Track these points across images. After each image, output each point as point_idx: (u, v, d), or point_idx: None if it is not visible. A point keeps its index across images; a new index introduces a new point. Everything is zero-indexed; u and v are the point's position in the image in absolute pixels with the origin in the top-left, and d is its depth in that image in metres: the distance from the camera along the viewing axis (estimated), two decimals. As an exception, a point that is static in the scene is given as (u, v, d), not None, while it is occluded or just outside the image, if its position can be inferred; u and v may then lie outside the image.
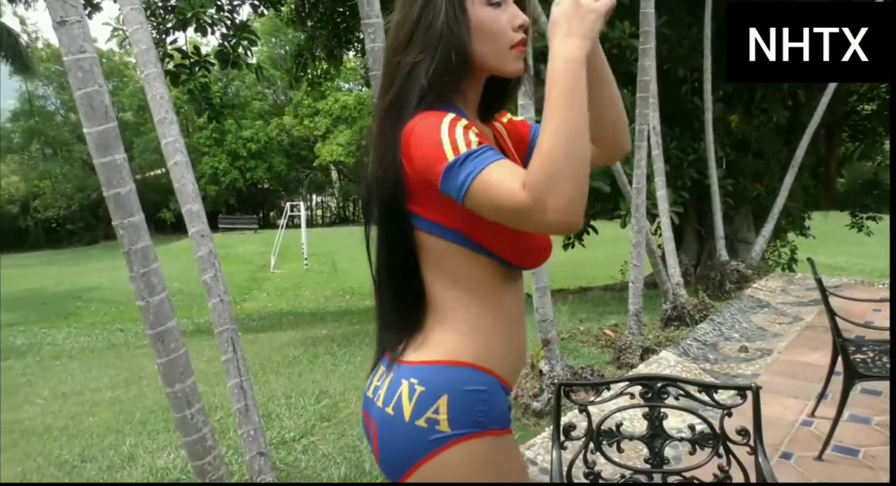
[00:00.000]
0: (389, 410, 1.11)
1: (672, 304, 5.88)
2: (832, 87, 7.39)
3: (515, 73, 1.18)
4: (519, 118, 1.35)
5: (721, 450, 1.66)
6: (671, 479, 1.70)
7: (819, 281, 3.05)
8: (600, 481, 1.71)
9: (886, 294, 5.67)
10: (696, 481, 1.69)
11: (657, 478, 1.72)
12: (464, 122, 1.05)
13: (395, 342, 1.16)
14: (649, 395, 1.71)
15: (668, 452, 1.77)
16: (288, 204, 30.58)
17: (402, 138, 1.06)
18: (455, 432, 1.06)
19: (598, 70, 1.16)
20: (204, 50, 9.95)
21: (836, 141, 11.04)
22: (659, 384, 1.71)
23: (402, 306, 1.17)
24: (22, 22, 33.34)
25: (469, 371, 1.10)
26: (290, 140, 39.17)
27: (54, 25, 2.18)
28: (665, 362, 4.46)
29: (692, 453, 1.70)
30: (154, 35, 8.80)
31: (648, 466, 1.72)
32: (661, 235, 6.74)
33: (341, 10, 11.31)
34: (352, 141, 34.21)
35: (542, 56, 7.04)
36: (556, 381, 3.91)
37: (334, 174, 41.48)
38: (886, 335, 2.98)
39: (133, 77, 35.82)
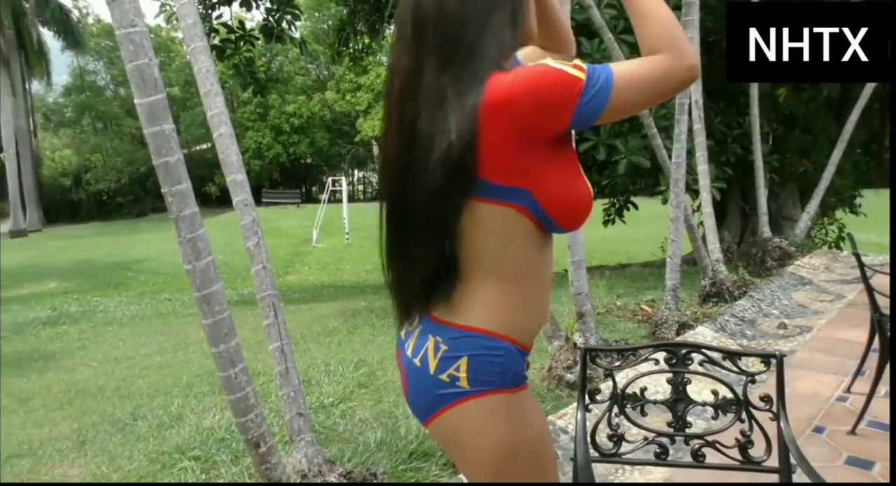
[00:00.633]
0: (417, 361, 1.21)
1: (711, 280, 5.83)
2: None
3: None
4: None
5: (743, 415, 1.70)
6: (693, 442, 1.74)
7: (857, 255, 3.02)
8: (623, 442, 1.76)
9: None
10: (718, 444, 1.73)
11: (679, 441, 1.76)
12: None
13: (425, 298, 1.23)
14: (673, 361, 1.75)
15: (691, 419, 1.81)
16: (330, 179, 30.80)
17: (484, 105, 1.09)
18: (473, 388, 1.16)
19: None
20: (249, 25, 10.09)
21: (890, 116, 10.66)
22: (683, 351, 1.75)
23: (435, 271, 1.21)
24: (73, -2, 34.07)
25: (489, 339, 1.18)
26: (333, 115, 39.34)
27: (107, 0, 2.27)
28: (701, 338, 4.46)
29: (714, 418, 1.74)
30: (200, 10, 8.94)
31: (671, 430, 1.77)
32: (702, 211, 6.66)
33: (383, -17, 11.27)
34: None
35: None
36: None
37: (376, 150, 41.53)
38: (926, 312, 2.94)
39: (180, 52, 36.36)
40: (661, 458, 1.75)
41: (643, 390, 1.79)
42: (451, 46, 1.13)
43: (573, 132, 1.24)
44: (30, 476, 3.68)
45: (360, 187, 44.44)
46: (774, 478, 1.69)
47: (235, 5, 9.18)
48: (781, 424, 1.65)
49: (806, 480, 1.58)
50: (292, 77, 39.32)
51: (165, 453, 3.48)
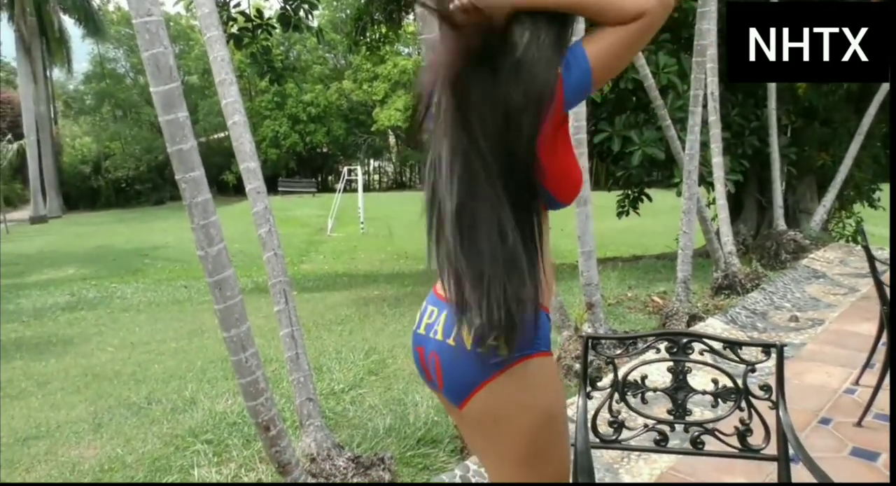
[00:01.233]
0: (451, 341, 1.23)
1: (723, 272, 5.82)
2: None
3: None
4: None
5: (743, 404, 1.72)
6: (693, 430, 1.76)
7: (867, 248, 3.02)
8: (624, 429, 1.79)
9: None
10: (717, 432, 1.75)
11: (679, 429, 1.78)
12: None
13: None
14: (674, 350, 1.77)
15: (691, 407, 1.83)
16: (346, 168, 30.87)
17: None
18: (515, 354, 1.18)
19: None
20: (266, 13, 10.12)
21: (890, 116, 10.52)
22: (684, 340, 1.77)
23: (486, 249, 1.15)
24: (93, -15, 34.25)
25: None
26: (349, 105, 39.39)
27: (122, -10, 2.31)
28: (711, 330, 4.46)
29: (714, 406, 1.76)
30: (217, -1, 8.98)
31: (671, 417, 1.79)
32: (716, 203, 6.63)
33: (400, -28, 11.28)
34: (409, 106, 34.07)
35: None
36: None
37: (392, 139, 41.62)
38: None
39: (199, 41, 36.49)
40: (661, 445, 1.78)
41: (644, 378, 1.81)
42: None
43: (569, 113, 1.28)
44: (47, 457, 3.76)
45: (376, 177, 44.49)
46: (773, 466, 1.71)
47: (253, -6, 9.22)
48: (780, 412, 1.67)
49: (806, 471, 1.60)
50: (310, 66, 39.40)
51: (179, 436, 3.56)
